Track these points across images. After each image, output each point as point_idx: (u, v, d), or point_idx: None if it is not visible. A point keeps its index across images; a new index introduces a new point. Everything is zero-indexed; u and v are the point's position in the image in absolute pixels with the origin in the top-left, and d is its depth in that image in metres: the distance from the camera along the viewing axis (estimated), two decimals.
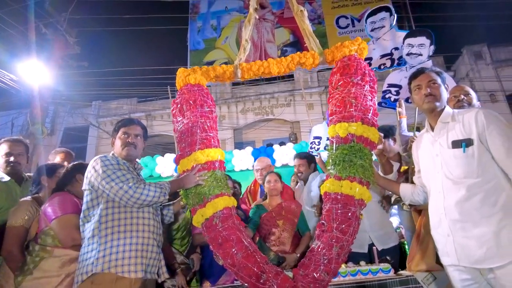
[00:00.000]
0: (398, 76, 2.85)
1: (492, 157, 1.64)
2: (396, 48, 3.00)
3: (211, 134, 2.40)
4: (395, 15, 3.09)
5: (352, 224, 2.12)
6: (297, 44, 14.37)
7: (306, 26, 2.65)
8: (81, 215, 2.02)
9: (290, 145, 6.93)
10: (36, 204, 2.31)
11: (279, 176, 3.13)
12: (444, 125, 1.84)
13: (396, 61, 2.99)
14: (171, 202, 2.43)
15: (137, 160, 2.30)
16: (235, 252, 2.09)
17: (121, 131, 2.18)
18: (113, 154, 2.16)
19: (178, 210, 2.59)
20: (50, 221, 2.11)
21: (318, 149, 3.65)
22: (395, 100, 2.87)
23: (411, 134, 2.81)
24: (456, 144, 1.73)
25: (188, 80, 2.50)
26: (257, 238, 2.94)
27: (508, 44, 11.96)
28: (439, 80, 1.92)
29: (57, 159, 3.10)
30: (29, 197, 2.39)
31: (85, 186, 2.03)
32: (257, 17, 2.78)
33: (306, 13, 2.69)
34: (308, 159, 3.67)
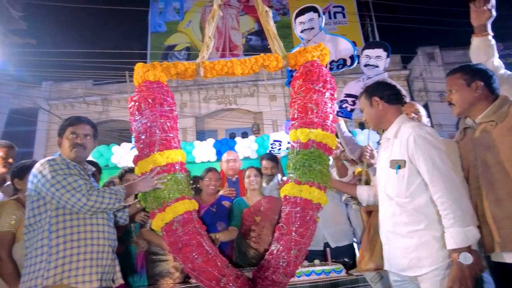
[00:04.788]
0: (355, 87, 2.94)
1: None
2: None
3: (171, 135, 2.33)
4: (323, 16, 3.11)
5: (309, 227, 2.21)
6: (262, 33, 14.17)
7: (270, 28, 2.63)
8: (26, 222, 1.88)
9: (252, 137, 6.95)
10: (21, 207, 2.16)
11: (259, 171, 3.10)
12: (388, 140, 1.92)
13: (328, 66, 3.04)
14: (126, 204, 2.35)
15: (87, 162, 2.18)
16: (196, 256, 2.08)
17: (69, 131, 2.04)
18: (60, 155, 2.02)
19: (134, 212, 2.51)
20: None
21: (280, 149, 3.74)
22: (352, 110, 2.97)
23: (350, 134, 2.93)
24: (392, 164, 1.83)
25: (147, 76, 2.38)
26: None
27: (456, 48, 12.83)
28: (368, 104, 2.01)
29: None
30: (12, 199, 2.24)
31: (29, 191, 1.88)
32: (221, 14, 2.71)
33: (271, 14, 2.66)
34: (276, 161, 3.75)
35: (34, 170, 1.90)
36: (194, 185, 3.09)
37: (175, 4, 15.68)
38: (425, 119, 2.55)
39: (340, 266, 2.50)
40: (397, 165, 1.79)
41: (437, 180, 1.66)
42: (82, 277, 1.79)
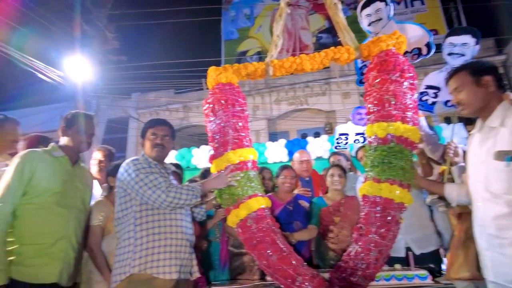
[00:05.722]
0: (438, 78, 2.64)
1: None
2: None
3: (243, 134, 2.38)
4: (391, 4, 2.83)
5: (391, 229, 2.06)
6: (333, 30, 13.83)
7: (340, 20, 2.53)
8: (115, 216, 2.09)
9: (324, 137, 6.79)
10: (110, 203, 2.44)
11: (344, 171, 3.02)
12: (491, 130, 1.67)
13: None
14: (203, 201, 2.46)
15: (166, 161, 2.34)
16: (270, 254, 2.09)
17: (149, 132, 2.21)
18: (143, 155, 2.20)
19: (211, 208, 2.63)
20: None
21: (346, 143, 3.58)
22: (433, 103, 2.68)
23: (432, 132, 2.63)
24: (499, 155, 1.57)
25: (219, 79, 2.49)
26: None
27: None
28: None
29: (97, 155, 3.21)
30: (104, 196, 2.56)
31: (117, 188, 2.09)
32: (289, 11, 2.70)
33: (340, 6, 2.56)
34: (344, 156, 3.63)
35: (121, 169, 2.11)
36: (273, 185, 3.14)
37: (246, 10, 16.15)
38: None
39: (425, 273, 2.26)
40: (508, 156, 1.55)
41: None
42: (162, 268, 1.91)
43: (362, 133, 4.06)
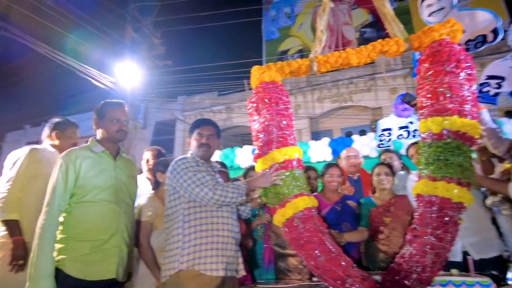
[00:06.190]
0: (501, 66, 2.43)
1: None
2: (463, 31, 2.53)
3: (287, 132, 2.36)
4: None
5: (449, 230, 1.92)
6: (377, 25, 13.35)
7: (387, 11, 2.41)
8: (165, 212, 2.14)
9: (371, 135, 6.52)
10: (158, 199, 2.52)
11: (391, 169, 2.88)
12: None
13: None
14: (248, 199, 2.46)
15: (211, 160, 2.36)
16: (318, 254, 2.05)
17: (196, 132, 2.26)
18: (191, 154, 2.25)
19: (256, 206, 2.63)
20: None
21: (389, 139, 3.37)
22: (496, 94, 2.46)
23: (494, 126, 2.39)
24: None
25: (262, 78, 2.49)
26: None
27: None
28: None
29: (147, 155, 3.34)
30: (152, 193, 2.62)
31: (167, 186, 2.15)
32: (332, 5, 2.63)
33: None
34: (395, 153, 3.44)
35: (170, 167, 2.16)
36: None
37: (286, 9, 16.06)
38: None
39: (488, 280, 2.05)
40: None
41: None
42: (210, 265, 1.94)
43: (406, 127, 3.82)
